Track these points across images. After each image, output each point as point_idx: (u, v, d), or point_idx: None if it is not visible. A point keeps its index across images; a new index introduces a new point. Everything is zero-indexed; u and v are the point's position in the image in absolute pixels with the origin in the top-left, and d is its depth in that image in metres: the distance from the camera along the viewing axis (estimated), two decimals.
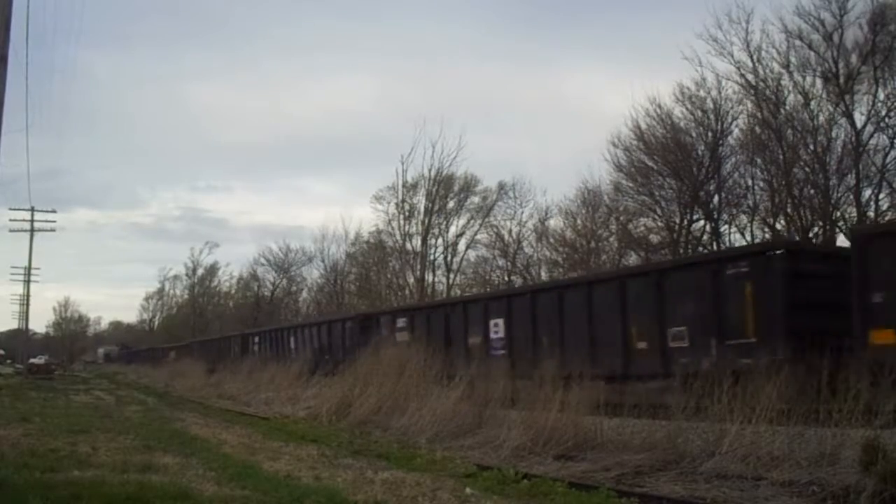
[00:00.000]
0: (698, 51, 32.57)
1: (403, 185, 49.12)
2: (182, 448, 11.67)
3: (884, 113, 27.12)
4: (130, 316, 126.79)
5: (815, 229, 28.35)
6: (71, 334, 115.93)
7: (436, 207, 48.70)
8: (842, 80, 27.69)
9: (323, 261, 61.62)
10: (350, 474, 9.51)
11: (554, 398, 11.75)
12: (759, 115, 30.38)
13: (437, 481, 8.99)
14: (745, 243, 30.49)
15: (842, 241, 25.99)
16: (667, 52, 61.66)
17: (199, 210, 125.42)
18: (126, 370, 68.83)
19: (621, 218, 35.77)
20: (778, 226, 30.16)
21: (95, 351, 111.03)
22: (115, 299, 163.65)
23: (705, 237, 32.67)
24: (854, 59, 27.65)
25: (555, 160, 77.94)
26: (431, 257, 49.46)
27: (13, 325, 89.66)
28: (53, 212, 56.85)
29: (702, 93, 32.02)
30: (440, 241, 49.61)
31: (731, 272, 13.85)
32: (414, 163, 50.63)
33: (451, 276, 49.21)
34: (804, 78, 29.01)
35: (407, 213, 49.31)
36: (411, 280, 49.51)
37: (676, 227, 33.02)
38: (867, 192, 27.77)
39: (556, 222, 42.32)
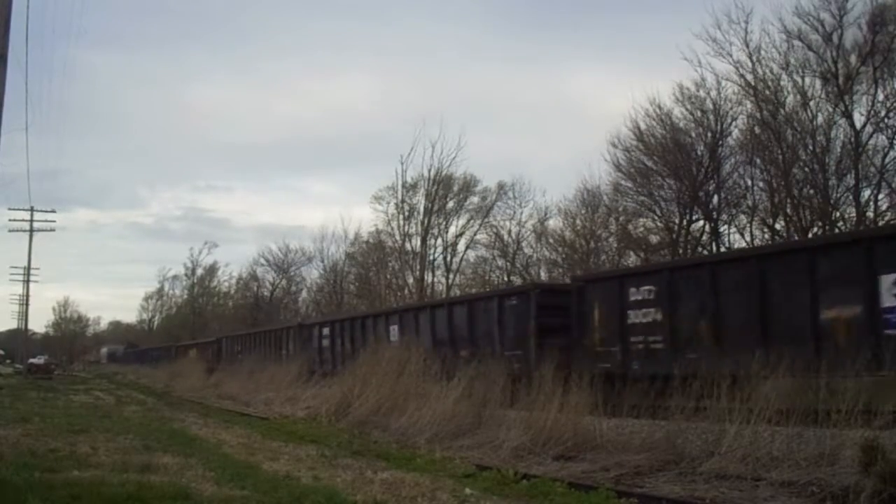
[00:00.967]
0: (698, 51, 32.63)
1: (403, 186, 49.18)
2: (181, 448, 11.67)
3: (883, 113, 27.17)
4: (130, 316, 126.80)
5: (815, 229, 28.37)
6: (70, 334, 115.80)
7: (435, 207, 48.71)
8: (841, 80, 27.71)
9: (322, 261, 61.68)
10: (349, 474, 9.51)
11: (553, 398, 11.76)
12: (758, 115, 30.42)
13: (436, 481, 8.99)
14: (744, 244, 30.61)
15: None
16: (666, 53, 61.93)
17: (200, 210, 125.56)
18: (125, 370, 68.74)
19: (621, 218, 35.81)
20: (777, 226, 30.21)
21: (98, 350, 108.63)
22: (115, 299, 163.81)
23: (705, 237, 32.71)
24: (853, 59, 27.69)
25: (554, 160, 78.05)
26: (431, 257, 49.52)
27: (13, 325, 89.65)
28: (53, 212, 56.91)
29: (701, 93, 32.10)
30: (440, 241, 49.68)
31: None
32: (413, 163, 50.60)
33: (451, 276, 49.27)
34: (803, 78, 29.10)
35: (406, 214, 49.36)
36: (411, 280, 49.53)
37: (676, 227, 33.04)
38: (866, 193, 27.84)
39: (555, 222, 42.40)
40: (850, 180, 27.99)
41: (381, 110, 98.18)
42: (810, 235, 27.89)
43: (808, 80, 28.98)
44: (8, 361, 74.93)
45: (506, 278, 43.43)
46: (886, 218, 26.91)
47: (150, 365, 66.89)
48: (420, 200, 48.95)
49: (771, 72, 30.07)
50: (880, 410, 8.55)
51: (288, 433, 15.10)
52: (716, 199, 32.17)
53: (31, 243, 56.10)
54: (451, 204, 49.25)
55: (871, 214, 27.23)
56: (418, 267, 48.65)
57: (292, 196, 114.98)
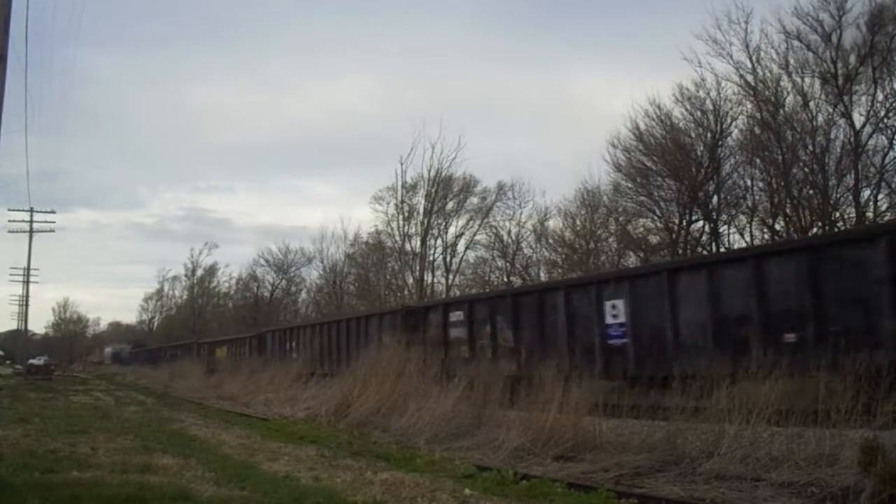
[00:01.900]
0: (698, 51, 32.76)
1: (403, 186, 49.21)
2: (181, 449, 11.67)
3: (882, 113, 27.19)
4: (130, 317, 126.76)
5: (815, 229, 28.38)
6: (70, 335, 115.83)
7: (435, 208, 48.75)
8: (840, 80, 27.73)
9: (322, 261, 61.70)
10: (349, 475, 9.51)
11: (553, 399, 11.76)
12: (758, 115, 30.45)
13: (436, 482, 8.99)
14: (744, 244, 30.62)
15: None
16: (666, 53, 61.93)
17: (202, 210, 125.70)
18: (125, 370, 68.66)
19: (620, 219, 35.84)
20: (777, 226, 30.22)
21: (101, 350, 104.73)
22: (115, 300, 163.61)
23: (704, 238, 32.72)
24: (853, 59, 27.72)
25: (554, 161, 78.17)
26: (430, 258, 49.55)
27: (12, 325, 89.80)
28: (52, 212, 57.06)
29: (701, 93, 32.16)
30: (439, 241, 49.71)
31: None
32: (413, 163, 50.73)
33: (451, 276, 49.27)
34: (803, 78, 29.14)
35: (406, 214, 49.39)
36: (410, 281, 49.55)
37: (675, 227, 33.06)
38: (866, 193, 27.88)
39: (555, 223, 42.43)
40: (849, 180, 28.02)
41: (382, 111, 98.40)
42: (810, 234, 27.94)
43: (807, 80, 29.07)
44: (8, 362, 74.97)
45: (505, 279, 43.44)
46: (886, 218, 26.92)
47: (164, 366, 64.97)
48: (420, 201, 49.06)
49: (770, 72, 30.17)
50: (880, 411, 8.54)
51: (288, 434, 15.09)
52: (715, 199, 32.21)
53: (31, 244, 56.20)
54: (450, 204, 49.35)
55: (870, 214, 27.24)
56: (418, 267, 48.67)
57: (293, 196, 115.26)
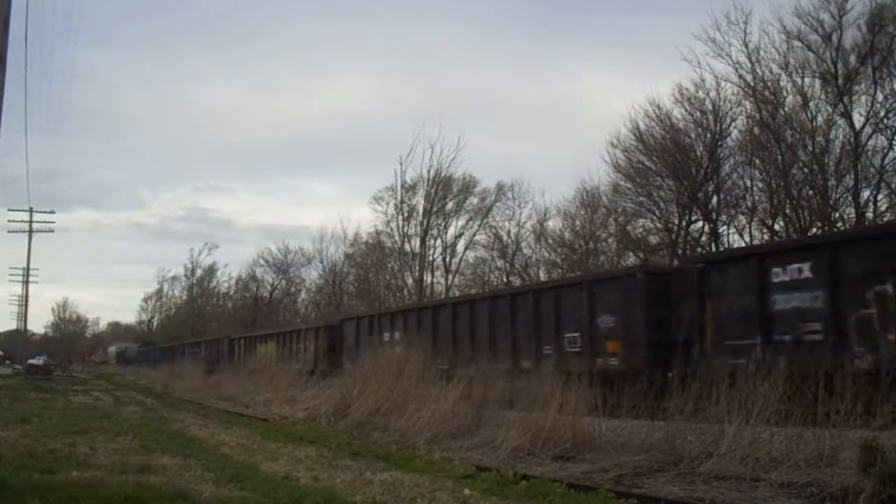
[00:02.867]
0: (697, 52, 32.68)
1: (402, 186, 49.22)
2: (180, 449, 11.67)
3: (882, 114, 27.21)
4: (129, 317, 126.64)
5: (814, 230, 28.39)
6: (69, 335, 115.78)
7: (434, 208, 48.77)
8: (840, 80, 27.74)
9: (322, 262, 61.69)
10: (349, 475, 9.50)
11: (552, 399, 11.76)
12: (757, 115, 30.46)
13: (435, 482, 8.99)
14: (743, 244, 30.62)
15: None
16: (666, 54, 61.95)
17: (204, 210, 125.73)
18: (124, 371, 68.56)
19: (620, 219, 35.85)
20: (777, 226, 30.23)
21: (104, 349, 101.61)
22: (114, 300, 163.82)
23: (704, 238, 32.72)
24: (852, 59, 27.73)
25: (554, 161, 78.25)
26: (430, 258, 49.55)
27: (12, 325, 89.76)
28: (52, 212, 56.99)
29: (700, 94, 32.17)
30: (439, 241, 49.71)
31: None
32: (413, 164, 50.65)
33: (450, 277, 49.27)
34: (803, 79, 29.16)
35: (406, 214, 49.40)
36: (410, 281, 49.56)
37: (675, 228, 33.06)
38: (866, 193, 27.90)
39: (554, 223, 42.46)
40: (849, 181, 28.04)
41: (382, 110, 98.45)
42: (810, 234, 27.95)
43: (807, 80, 29.08)
44: (7, 362, 74.88)
45: (505, 279, 43.45)
46: (886, 218, 26.94)
47: (169, 366, 61.82)
48: (419, 201, 49.07)
49: (770, 72, 30.18)
50: (879, 411, 8.54)
51: (287, 434, 15.08)
52: (715, 199, 32.23)
53: (31, 244, 56.18)
54: (450, 205, 49.39)
55: (870, 215, 27.26)
56: (417, 268, 48.68)
57: (294, 196, 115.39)
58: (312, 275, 64.83)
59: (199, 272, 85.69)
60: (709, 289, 14.30)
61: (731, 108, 31.71)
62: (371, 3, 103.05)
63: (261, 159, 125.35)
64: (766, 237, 30.47)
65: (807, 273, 12.64)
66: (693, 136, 32.78)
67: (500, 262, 45.98)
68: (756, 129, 30.49)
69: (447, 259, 49.44)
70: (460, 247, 49.36)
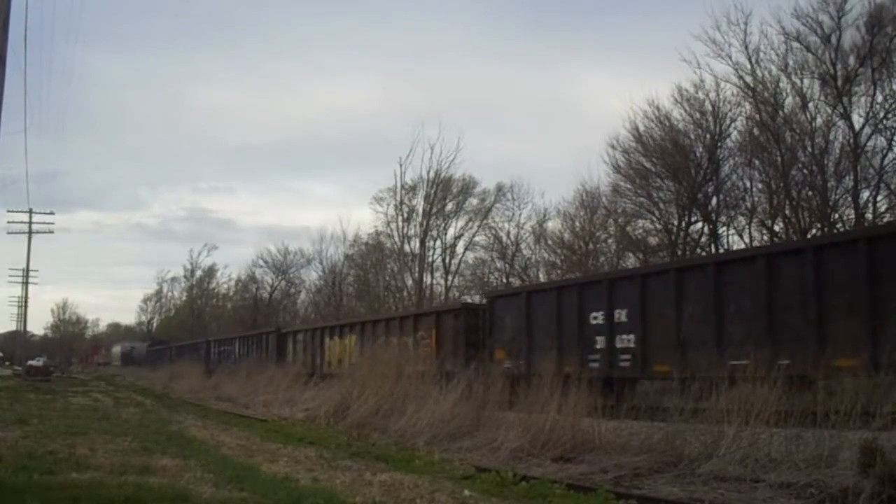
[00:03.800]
0: (697, 53, 32.73)
1: (402, 187, 49.22)
2: (180, 450, 11.66)
3: (882, 115, 27.17)
4: (129, 318, 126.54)
5: (814, 231, 28.39)
6: (69, 336, 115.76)
7: (434, 209, 48.74)
8: (840, 82, 27.73)
9: (321, 262, 61.65)
10: (348, 476, 9.50)
11: (552, 400, 11.76)
12: (757, 116, 30.44)
13: (435, 483, 8.99)
14: (743, 245, 30.63)
15: None
16: (665, 54, 61.97)
17: (205, 211, 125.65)
18: (123, 372, 68.53)
19: (619, 220, 35.82)
20: (776, 227, 30.22)
21: (107, 349, 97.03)
22: (114, 301, 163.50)
23: (703, 239, 32.72)
24: (852, 61, 27.71)
25: (553, 162, 78.22)
26: (430, 259, 49.53)
27: (11, 326, 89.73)
28: (51, 213, 57.25)
29: (700, 95, 32.12)
30: (438, 242, 49.69)
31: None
32: (413, 164, 50.71)
33: (450, 278, 49.25)
34: (802, 80, 29.09)
35: (406, 215, 49.38)
36: (409, 282, 49.55)
37: (675, 229, 33.05)
38: (865, 194, 27.84)
39: (554, 224, 42.41)
40: (848, 182, 28.01)
41: (382, 111, 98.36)
42: (809, 236, 27.98)
43: (806, 81, 29.02)
44: (7, 363, 74.86)
45: (505, 280, 43.44)
46: (886, 219, 26.94)
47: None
48: (419, 202, 49.04)
49: (770, 73, 30.13)
50: (879, 412, 8.55)
51: (287, 435, 15.09)
52: (714, 200, 32.20)
53: (30, 245, 56.24)
54: (449, 206, 49.35)
55: (869, 216, 27.25)
56: (417, 269, 48.66)
57: (294, 197, 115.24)
58: (312, 276, 64.83)
59: (198, 273, 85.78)
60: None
61: (730, 109, 31.72)
62: (371, 3, 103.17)
63: (261, 160, 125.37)
64: (766, 238, 30.49)
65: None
66: (692, 137, 32.77)
67: (499, 263, 46.01)
68: (755, 130, 30.49)
69: (447, 260, 49.46)
70: (460, 248, 49.40)
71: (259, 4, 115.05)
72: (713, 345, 13.51)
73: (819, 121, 28.69)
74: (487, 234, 47.69)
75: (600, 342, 16.37)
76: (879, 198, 27.72)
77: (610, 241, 37.29)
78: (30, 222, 54.67)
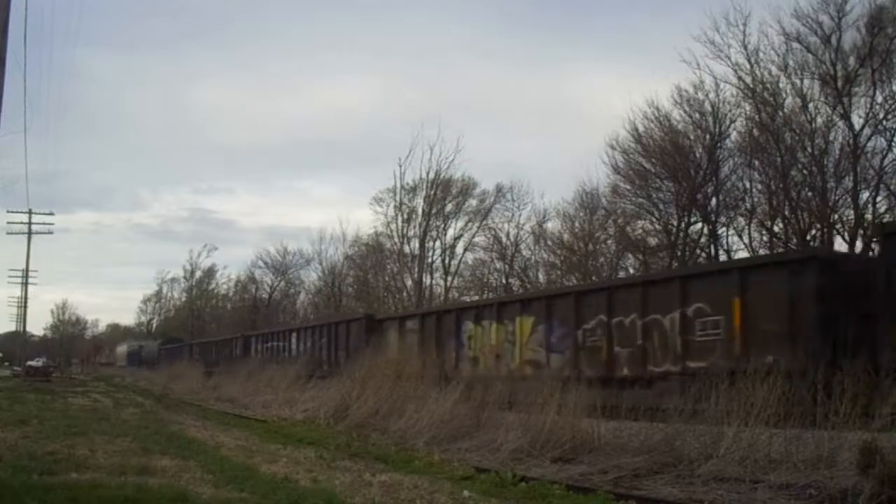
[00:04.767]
0: (696, 53, 32.71)
1: (402, 188, 49.23)
2: (180, 450, 11.65)
3: (881, 115, 27.21)
4: (128, 318, 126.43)
5: (813, 231, 28.42)
6: (69, 337, 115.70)
7: (434, 210, 48.75)
8: (840, 82, 27.76)
9: (321, 263, 61.66)
10: (348, 477, 9.50)
11: (551, 401, 11.76)
12: (756, 117, 30.47)
13: (434, 484, 8.99)
14: (742, 246, 30.69)
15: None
16: (665, 55, 61.98)
17: (206, 211, 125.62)
18: (123, 373, 68.41)
19: (619, 221, 35.85)
20: (776, 228, 30.24)
21: (113, 350, 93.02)
22: (114, 301, 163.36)
23: (703, 240, 32.74)
24: (852, 61, 27.75)
25: (553, 163, 78.25)
26: (429, 260, 49.54)
27: (11, 327, 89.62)
28: (51, 214, 57.06)
29: (700, 95, 32.18)
30: (438, 243, 49.71)
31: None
32: (413, 165, 50.73)
33: (449, 278, 49.26)
34: (802, 80, 29.14)
35: (406, 216, 49.39)
36: (409, 283, 49.54)
37: (674, 229, 33.08)
38: (865, 195, 27.90)
39: (553, 225, 42.46)
40: (848, 182, 28.04)
41: (382, 111, 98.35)
42: (808, 238, 28.02)
43: (806, 82, 29.08)
44: (6, 364, 74.81)
45: (504, 281, 43.46)
46: (885, 220, 26.95)
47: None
48: (419, 203, 49.05)
49: (769, 74, 30.18)
50: (878, 413, 8.54)
51: (286, 435, 15.08)
52: (714, 201, 32.24)
53: (30, 245, 56.23)
54: (449, 206, 49.39)
55: (869, 216, 27.28)
56: (417, 269, 48.66)
57: (295, 198, 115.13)
58: (311, 276, 64.84)
59: (198, 274, 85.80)
60: None
61: (730, 110, 31.77)
62: (371, 3, 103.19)
63: (261, 160, 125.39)
64: (765, 239, 30.54)
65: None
66: (692, 137, 32.81)
67: (499, 264, 46.04)
68: (755, 131, 30.51)
69: (446, 261, 49.48)
70: (459, 248, 49.43)
71: (259, 4, 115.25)
72: None
73: (819, 121, 28.77)
74: (487, 235, 47.78)
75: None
76: (879, 198, 27.81)
77: (609, 241, 37.36)
78: (29, 223, 54.68)
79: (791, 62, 29.27)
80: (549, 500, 8.32)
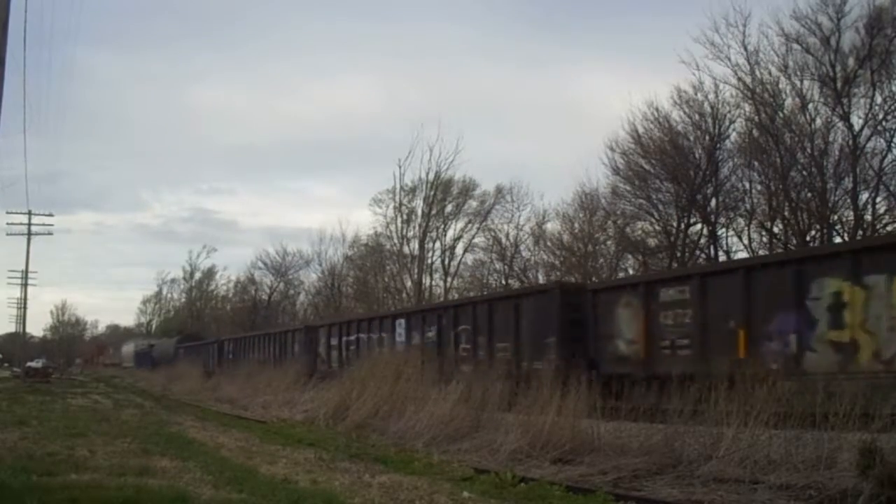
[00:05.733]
0: (696, 54, 32.65)
1: (402, 189, 49.22)
2: (179, 451, 11.65)
3: (881, 116, 27.21)
4: (128, 319, 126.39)
5: (813, 232, 28.41)
6: (68, 337, 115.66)
7: (433, 211, 48.74)
8: (839, 83, 27.76)
9: (320, 264, 61.61)
10: (347, 478, 9.50)
11: (551, 401, 11.75)
12: (756, 118, 30.45)
13: (434, 485, 8.99)
14: (742, 247, 30.68)
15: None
16: (665, 56, 61.96)
17: (208, 212, 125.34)
18: (122, 373, 68.35)
19: (619, 221, 35.82)
20: (776, 229, 30.23)
21: (118, 349, 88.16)
22: (113, 302, 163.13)
23: (702, 241, 32.73)
24: (851, 62, 27.75)
25: (553, 163, 78.18)
26: (429, 261, 49.52)
27: (10, 328, 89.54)
28: (51, 215, 56.94)
29: (699, 96, 32.15)
30: (438, 244, 49.70)
31: None
32: (412, 166, 50.70)
33: (449, 279, 49.25)
34: (801, 81, 29.13)
35: (405, 217, 49.38)
36: (409, 284, 49.51)
37: (674, 230, 33.07)
38: (864, 196, 27.88)
39: (553, 226, 42.36)
40: (847, 183, 28.04)
41: (383, 112, 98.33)
42: (808, 238, 28.03)
43: (806, 83, 29.06)
44: (6, 365, 74.79)
45: (503, 282, 43.42)
46: (884, 221, 26.97)
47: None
48: (419, 204, 49.04)
49: (769, 75, 30.15)
50: (878, 414, 8.54)
51: (286, 436, 15.08)
52: (714, 202, 32.21)
53: (29, 246, 56.21)
54: (449, 207, 49.37)
55: (868, 217, 27.28)
56: (416, 270, 48.65)
57: (295, 198, 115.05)
58: (311, 277, 64.77)
59: (197, 275, 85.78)
60: None
61: (729, 111, 31.74)
62: (372, 3, 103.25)
63: (261, 161, 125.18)
64: (764, 239, 30.54)
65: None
66: (692, 138, 32.79)
67: (498, 265, 46.00)
68: (755, 132, 30.50)
69: (446, 262, 49.46)
70: (459, 249, 49.40)
71: (259, 4, 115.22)
72: None
73: (818, 122, 28.77)
74: (487, 236, 47.74)
75: None
76: (878, 199, 27.80)
77: (609, 242, 37.31)
78: (29, 224, 54.64)
79: (790, 63, 29.30)
80: (549, 500, 8.32)
